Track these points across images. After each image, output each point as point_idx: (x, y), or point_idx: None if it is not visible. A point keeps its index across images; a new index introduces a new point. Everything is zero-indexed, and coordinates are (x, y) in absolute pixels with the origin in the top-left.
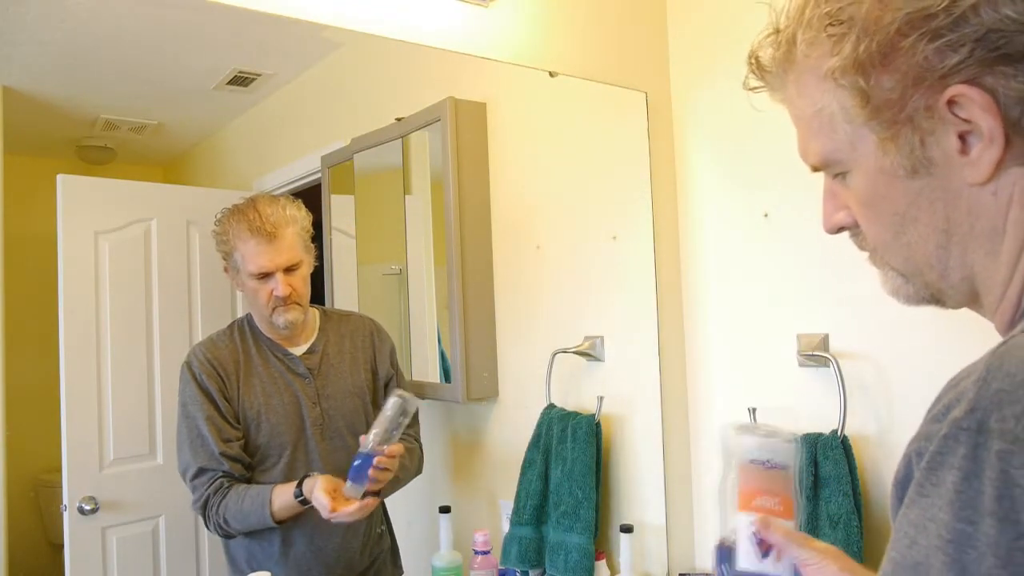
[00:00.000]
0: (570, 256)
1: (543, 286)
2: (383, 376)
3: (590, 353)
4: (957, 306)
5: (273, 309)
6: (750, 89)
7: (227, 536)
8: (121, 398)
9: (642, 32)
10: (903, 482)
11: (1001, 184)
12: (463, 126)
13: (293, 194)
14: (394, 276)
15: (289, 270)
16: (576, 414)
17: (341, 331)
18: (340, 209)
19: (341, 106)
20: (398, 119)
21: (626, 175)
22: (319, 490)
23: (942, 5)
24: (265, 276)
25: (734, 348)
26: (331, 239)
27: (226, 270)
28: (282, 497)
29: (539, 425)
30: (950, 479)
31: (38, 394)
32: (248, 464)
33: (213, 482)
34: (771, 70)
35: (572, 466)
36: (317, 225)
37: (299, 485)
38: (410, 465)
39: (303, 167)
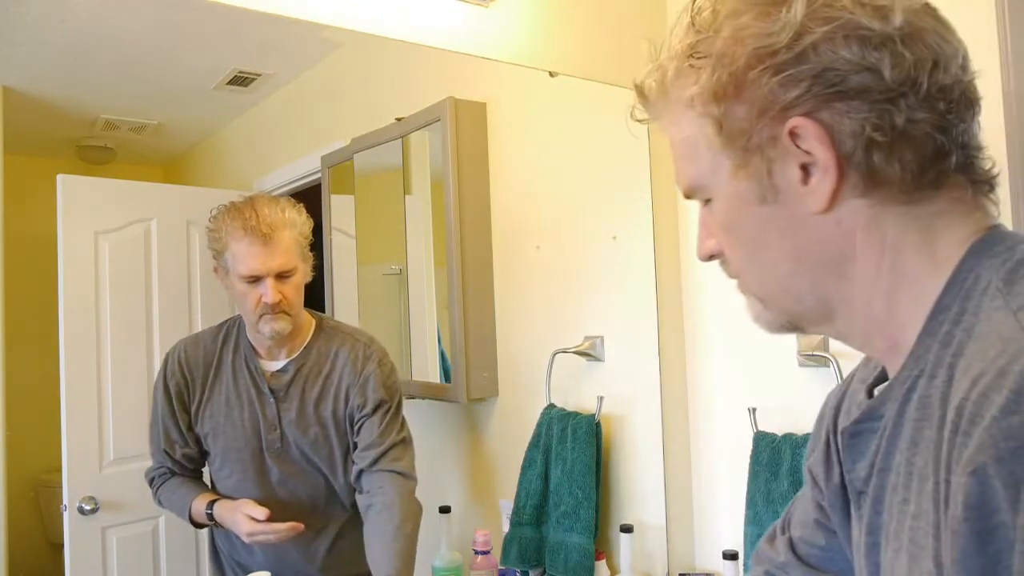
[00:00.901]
0: (570, 256)
1: (543, 286)
2: (352, 406)
3: (590, 353)
4: (815, 331)
5: (260, 316)
6: (637, 120)
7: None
8: (121, 398)
9: (642, 32)
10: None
11: (843, 214)
12: (463, 126)
13: (293, 194)
14: (394, 276)
15: (281, 276)
16: (576, 414)
17: (328, 351)
18: (340, 209)
19: (341, 106)
20: (398, 119)
21: (626, 175)
22: (240, 518)
23: (785, 42)
24: (255, 280)
25: (734, 348)
26: (331, 239)
27: (215, 270)
28: (198, 507)
29: (539, 425)
30: None
31: (38, 394)
32: (191, 467)
33: (160, 467)
34: (651, 99)
35: (572, 466)
36: (317, 225)
37: (212, 504)
38: (414, 536)
39: (303, 167)
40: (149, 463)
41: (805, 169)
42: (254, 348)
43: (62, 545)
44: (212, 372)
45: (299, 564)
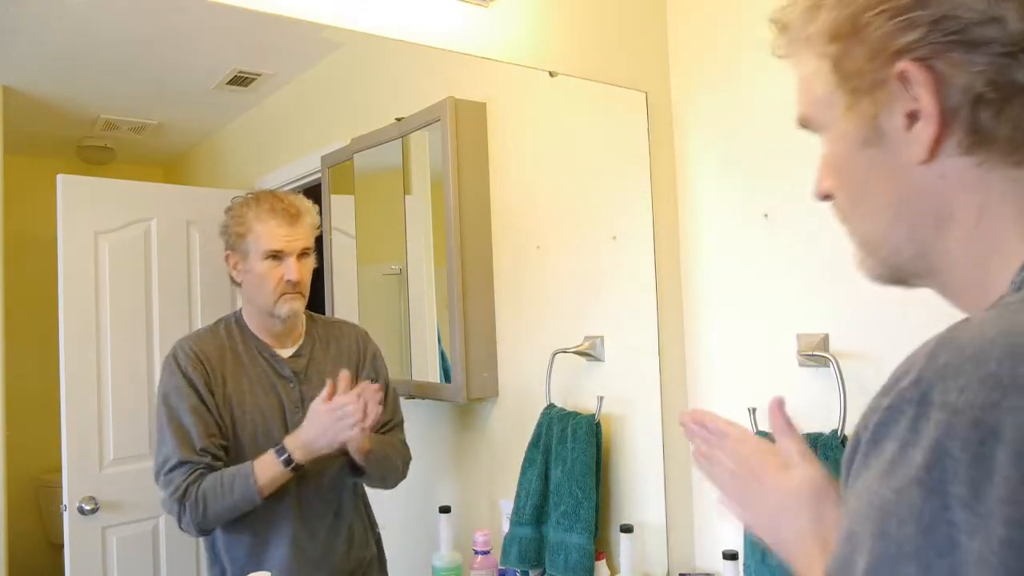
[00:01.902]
0: (570, 256)
1: (543, 286)
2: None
3: (590, 353)
4: (919, 284)
5: (280, 296)
6: (778, 56)
7: (201, 528)
8: (121, 398)
9: (642, 32)
10: (850, 457)
11: (947, 169)
12: (463, 126)
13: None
14: (394, 276)
15: (301, 256)
16: (576, 414)
17: (328, 336)
18: (340, 209)
19: (341, 106)
20: (398, 119)
21: (626, 175)
22: (321, 414)
23: None
24: (278, 258)
25: (734, 348)
26: (331, 239)
27: (228, 258)
28: (264, 466)
29: (539, 425)
30: (889, 448)
31: (38, 394)
32: (226, 460)
33: (192, 473)
34: (782, 35)
35: (572, 466)
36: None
37: (282, 448)
38: (395, 459)
39: (303, 167)
40: (149, 463)
41: (911, 116)
42: (260, 339)
43: (62, 545)
44: (228, 362)
45: (320, 553)
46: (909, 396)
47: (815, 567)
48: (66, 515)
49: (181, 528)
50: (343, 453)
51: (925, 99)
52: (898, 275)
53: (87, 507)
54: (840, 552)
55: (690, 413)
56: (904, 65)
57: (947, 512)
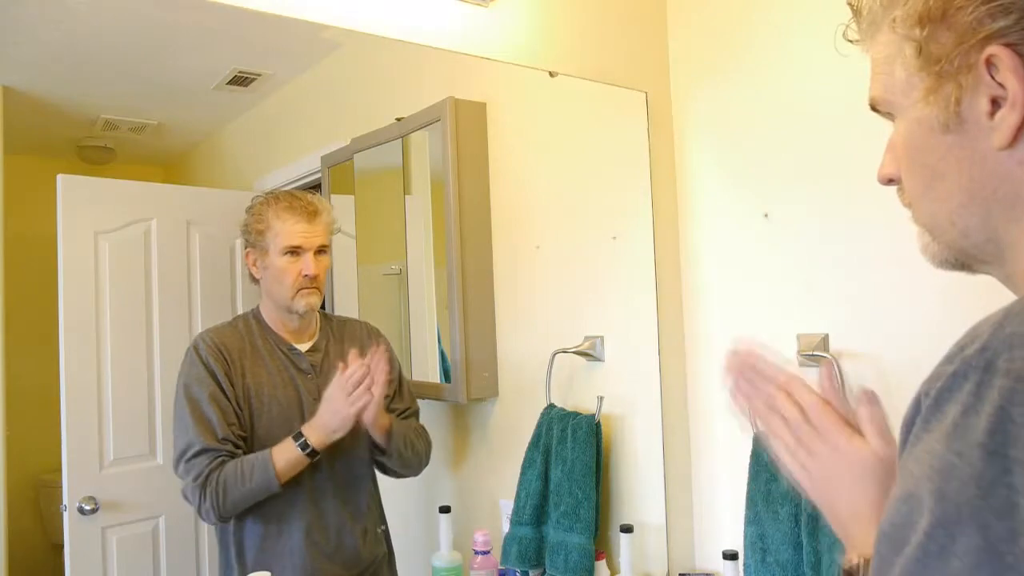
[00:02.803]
0: (570, 256)
1: (543, 286)
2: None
3: (590, 353)
4: (982, 271)
5: (297, 291)
6: (849, 40)
7: (221, 515)
8: (121, 398)
9: (642, 32)
10: (910, 422)
11: None
12: (463, 126)
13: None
14: (394, 276)
15: (319, 252)
16: (576, 414)
17: (341, 333)
18: (340, 209)
19: (341, 106)
20: (398, 119)
21: (626, 175)
22: (336, 396)
23: None
24: (297, 253)
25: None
26: (331, 239)
27: (248, 255)
28: (282, 452)
29: (539, 425)
30: (952, 413)
31: (38, 394)
32: (245, 452)
33: (214, 460)
34: (861, 18)
35: (572, 466)
36: None
37: (299, 434)
38: (418, 443)
39: (303, 167)
40: (149, 463)
41: (995, 102)
42: (277, 334)
43: (62, 545)
44: (247, 354)
45: (333, 547)
46: (974, 363)
47: (868, 545)
48: (66, 515)
49: (200, 516)
50: (362, 443)
51: (1013, 85)
52: (963, 259)
53: (87, 507)
54: (897, 513)
55: (740, 351)
56: (994, 50)
57: (1007, 476)
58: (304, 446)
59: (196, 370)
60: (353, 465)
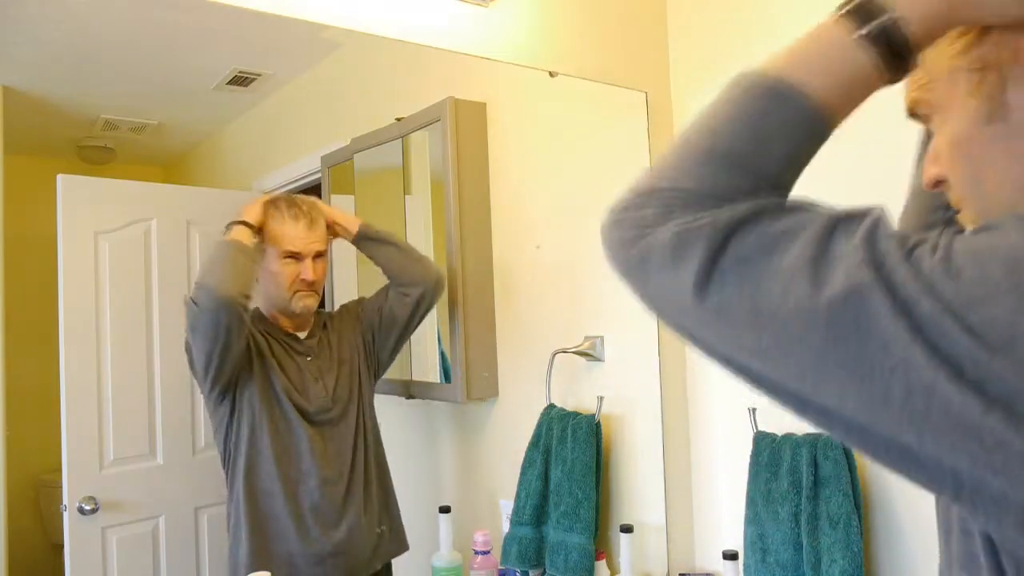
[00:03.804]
0: (570, 256)
1: (543, 286)
2: (367, 319)
3: (590, 353)
4: None
5: (295, 293)
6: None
7: (207, 292)
8: (121, 398)
9: (642, 32)
10: None
11: None
12: (463, 126)
13: (293, 194)
14: None
15: (317, 257)
16: (576, 414)
17: (329, 321)
18: (340, 209)
19: (341, 106)
20: (398, 119)
21: (626, 175)
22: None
23: None
24: (295, 258)
25: None
26: (331, 239)
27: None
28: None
29: (539, 425)
30: None
31: (38, 394)
32: (254, 417)
33: None
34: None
35: (572, 466)
36: None
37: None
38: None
39: (303, 167)
40: (149, 463)
41: None
42: (277, 325)
43: (62, 545)
44: (257, 336)
45: (347, 543)
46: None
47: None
48: (66, 515)
49: (201, 316)
50: (365, 440)
51: None
52: None
53: (87, 507)
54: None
55: None
56: None
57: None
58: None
59: None
60: (361, 449)
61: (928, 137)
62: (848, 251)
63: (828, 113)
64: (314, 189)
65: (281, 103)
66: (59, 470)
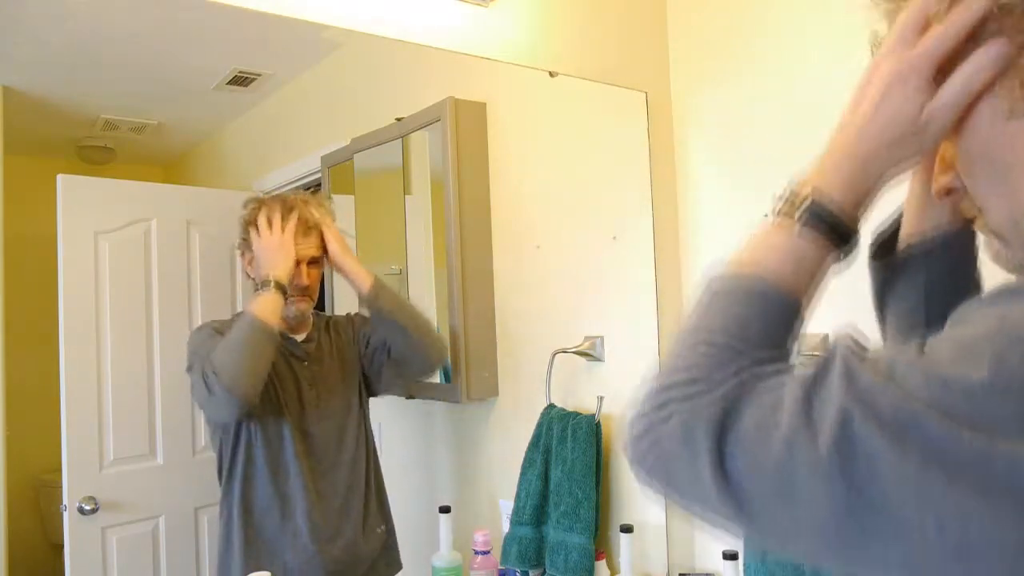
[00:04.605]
0: (570, 256)
1: (543, 286)
2: (360, 340)
3: (590, 353)
4: None
5: (288, 298)
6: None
7: (227, 385)
8: (121, 398)
9: (642, 32)
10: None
11: None
12: (463, 126)
13: (297, 193)
14: (394, 276)
15: (312, 263)
16: (576, 414)
17: (329, 326)
18: (340, 209)
19: (341, 106)
20: (398, 119)
21: (626, 175)
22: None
23: None
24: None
25: None
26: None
27: (243, 254)
28: (250, 304)
29: (539, 425)
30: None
31: (38, 394)
32: (248, 429)
33: None
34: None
35: (572, 466)
36: None
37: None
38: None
39: (303, 167)
40: (149, 463)
41: None
42: None
43: (62, 545)
44: None
45: (344, 547)
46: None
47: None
48: (66, 515)
49: (219, 410)
50: (363, 439)
51: None
52: None
53: (87, 507)
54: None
55: None
56: None
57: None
58: (265, 285)
59: (206, 332)
60: (356, 462)
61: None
62: (830, 409)
63: (798, 295)
64: (314, 189)
65: (281, 103)
66: (59, 470)
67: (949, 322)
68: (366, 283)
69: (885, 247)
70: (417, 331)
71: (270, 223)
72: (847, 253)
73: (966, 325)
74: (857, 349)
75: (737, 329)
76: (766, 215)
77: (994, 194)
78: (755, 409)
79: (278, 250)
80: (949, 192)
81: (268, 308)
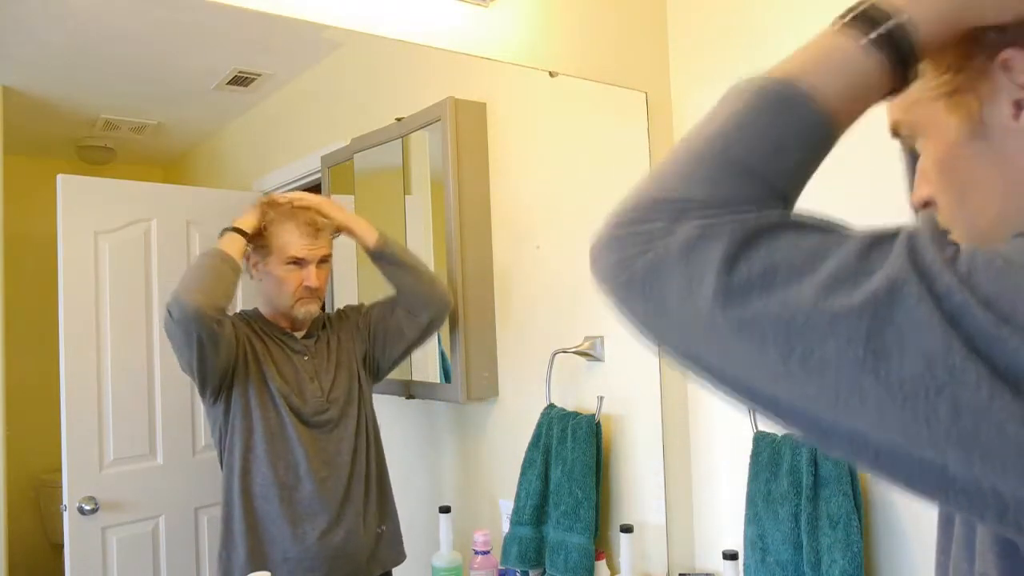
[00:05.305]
0: (570, 256)
1: (543, 286)
2: (362, 329)
3: (590, 353)
4: None
5: (298, 299)
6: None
7: (185, 301)
8: (121, 398)
9: (642, 32)
10: None
11: None
12: (463, 126)
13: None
14: None
15: (320, 263)
16: (576, 414)
17: (328, 322)
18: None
19: (341, 106)
20: (398, 119)
21: (626, 175)
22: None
23: None
24: (298, 264)
25: None
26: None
27: (248, 257)
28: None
29: (539, 425)
30: None
31: (38, 394)
32: (248, 419)
33: None
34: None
35: (572, 466)
36: None
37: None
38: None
39: (303, 167)
40: (149, 463)
41: (1018, 104)
42: (277, 325)
43: (62, 545)
44: (252, 337)
45: (344, 542)
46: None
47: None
48: (66, 515)
49: (172, 327)
50: (357, 420)
51: None
52: None
53: (87, 507)
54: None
55: None
56: (1009, 53)
57: None
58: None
59: None
60: (358, 453)
61: (913, 159)
62: (888, 264)
63: (836, 120)
64: (314, 189)
65: (281, 103)
66: (59, 470)
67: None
68: (373, 235)
69: None
70: (426, 272)
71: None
72: (893, 92)
73: None
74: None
75: (769, 152)
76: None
77: (960, 211)
78: (793, 245)
79: (251, 207)
80: (926, 204)
81: (226, 242)
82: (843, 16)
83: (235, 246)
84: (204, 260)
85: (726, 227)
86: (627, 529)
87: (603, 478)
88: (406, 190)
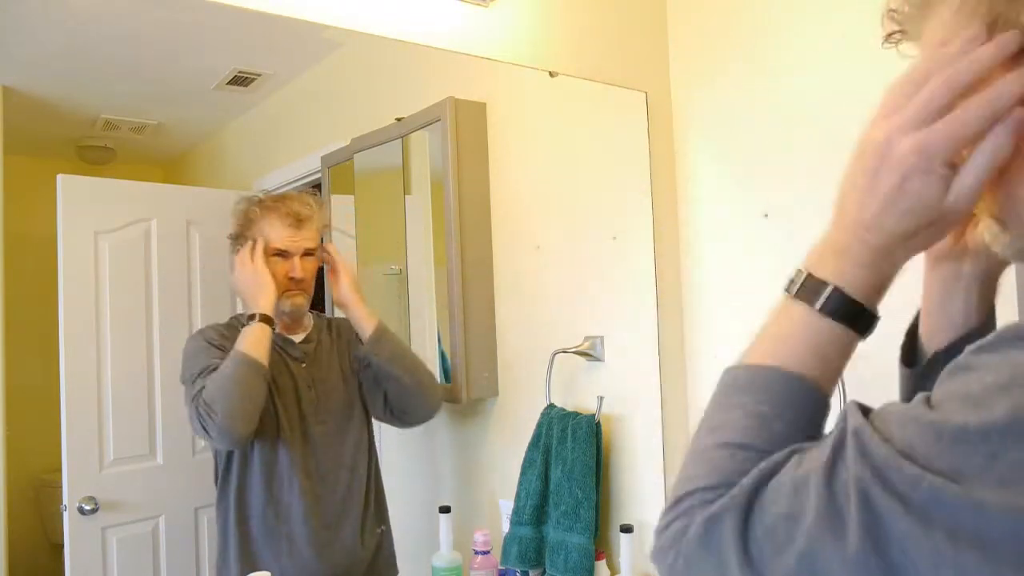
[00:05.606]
0: (570, 256)
1: (543, 286)
2: (359, 358)
3: (590, 353)
4: None
5: (284, 291)
6: (887, 36)
7: (219, 422)
8: (121, 398)
9: (642, 32)
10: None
11: None
12: (463, 126)
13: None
14: (394, 276)
15: (305, 255)
16: (576, 414)
17: (331, 327)
18: (340, 209)
19: (341, 106)
20: (398, 119)
21: (626, 175)
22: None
23: None
24: (283, 256)
25: (734, 348)
26: (331, 239)
27: (237, 251)
28: (241, 336)
29: (539, 425)
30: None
31: (38, 394)
32: None
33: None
34: (909, 11)
35: (572, 466)
36: None
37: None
38: (416, 357)
39: (303, 167)
40: (149, 463)
41: None
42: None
43: (62, 545)
44: None
45: (342, 549)
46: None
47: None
48: (66, 515)
49: (214, 440)
50: (361, 441)
51: None
52: None
53: (87, 507)
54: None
55: None
56: None
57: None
58: (251, 319)
59: (198, 343)
60: (356, 466)
61: None
62: (851, 492)
63: (820, 384)
64: (314, 189)
65: (281, 103)
66: (59, 470)
67: (948, 370)
68: (369, 327)
69: (909, 350)
70: (412, 382)
71: (241, 258)
72: (867, 335)
73: (971, 373)
74: (865, 422)
75: (759, 429)
76: (765, 214)
77: (998, 180)
78: (778, 498)
79: (253, 281)
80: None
81: (256, 342)
82: (789, 290)
83: (265, 344)
84: (241, 372)
85: (724, 510)
86: (627, 529)
87: (603, 478)
88: (406, 190)
